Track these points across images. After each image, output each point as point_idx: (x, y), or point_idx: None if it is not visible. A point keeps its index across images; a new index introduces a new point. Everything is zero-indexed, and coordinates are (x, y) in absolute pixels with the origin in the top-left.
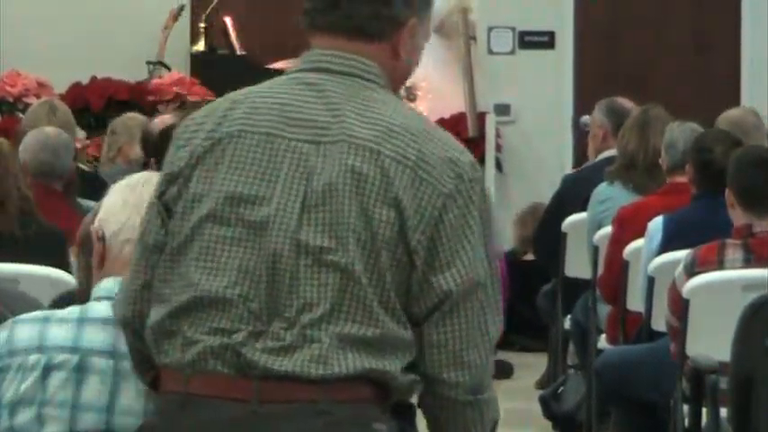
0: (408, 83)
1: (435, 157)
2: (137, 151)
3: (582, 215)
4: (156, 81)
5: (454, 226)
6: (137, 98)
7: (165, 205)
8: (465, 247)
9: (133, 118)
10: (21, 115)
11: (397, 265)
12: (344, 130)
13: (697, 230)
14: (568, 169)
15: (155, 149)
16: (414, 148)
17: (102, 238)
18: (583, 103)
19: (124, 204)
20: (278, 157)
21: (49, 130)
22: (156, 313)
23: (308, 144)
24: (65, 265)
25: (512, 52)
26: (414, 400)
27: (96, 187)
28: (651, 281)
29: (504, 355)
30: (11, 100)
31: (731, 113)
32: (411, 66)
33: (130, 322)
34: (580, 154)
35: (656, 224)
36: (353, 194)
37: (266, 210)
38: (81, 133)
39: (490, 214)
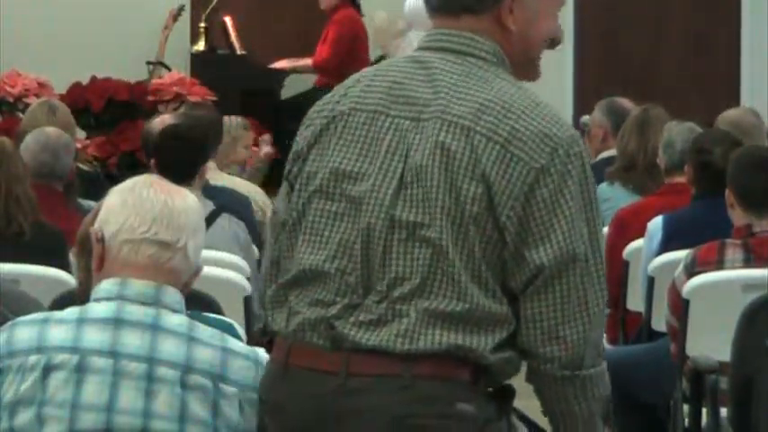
0: None
1: (530, 132)
2: (241, 152)
3: None
4: (156, 81)
5: (547, 200)
6: (137, 98)
7: (290, 184)
8: (560, 221)
9: (233, 119)
10: (21, 115)
11: (488, 241)
12: (441, 107)
13: (697, 230)
14: None
15: (155, 150)
16: (507, 124)
17: (101, 240)
18: (583, 103)
19: (123, 205)
20: (380, 134)
21: (50, 130)
22: (274, 285)
23: (408, 121)
24: (66, 266)
25: None
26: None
27: (96, 187)
28: (651, 281)
29: None
30: (11, 100)
31: (731, 113)
32: (529, 37)
33: (264, 298)
34: None
35: (656, 224)
36: (443, 171)
37: (364, 185)
38: (81, 133)
39: (593, 188)
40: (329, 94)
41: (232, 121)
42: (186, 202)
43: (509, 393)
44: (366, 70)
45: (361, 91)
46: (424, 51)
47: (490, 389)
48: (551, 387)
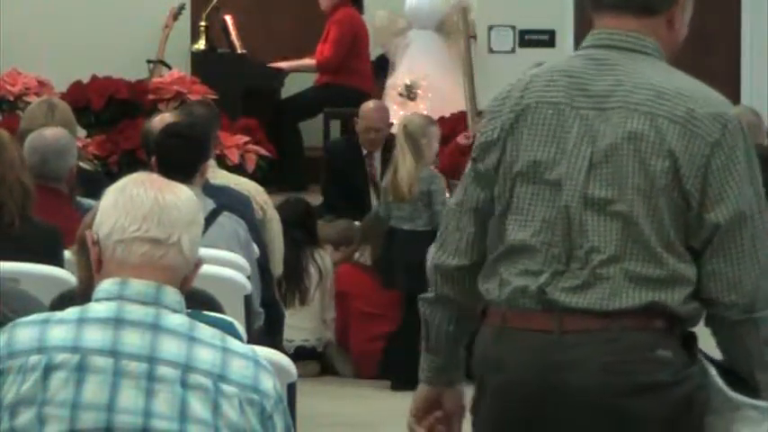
0: (408, 81)
1: (703, 112)
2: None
3: None
4: (156, 80)
5: (720, 169)
6: (137, 97)
7: (478, 170)
8: (732, 186)
9: (416, 117)
10: (21, 114)
11: (675, 209)
12: (623, 97)
13: None
14: None
15: (155, 148)
16: (683, 106)
17: (96, 242)
18: None
19: (114, 206)
20: (566, 124)
21: (50, 132)
22: (486, 261)
23: (592, 111)
24: (59, 264)
25: (512, 51)
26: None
27: (97, 186)
28: None
29: None
30: (11, 99)
31: None
32: (680, 36)
33: (451, 273)
34: None
35: None
36: (632, 152)
37: (559, 170)
38: (81, 132)
39: (754, 155)
40: (506, 89)
41: (417, 120)
42: (178, 196)
43: (694, 339)
44: (540, 68)
45: (542, 86)
46: (594, 49)
47: (682, 337)
48: (730, 330)
